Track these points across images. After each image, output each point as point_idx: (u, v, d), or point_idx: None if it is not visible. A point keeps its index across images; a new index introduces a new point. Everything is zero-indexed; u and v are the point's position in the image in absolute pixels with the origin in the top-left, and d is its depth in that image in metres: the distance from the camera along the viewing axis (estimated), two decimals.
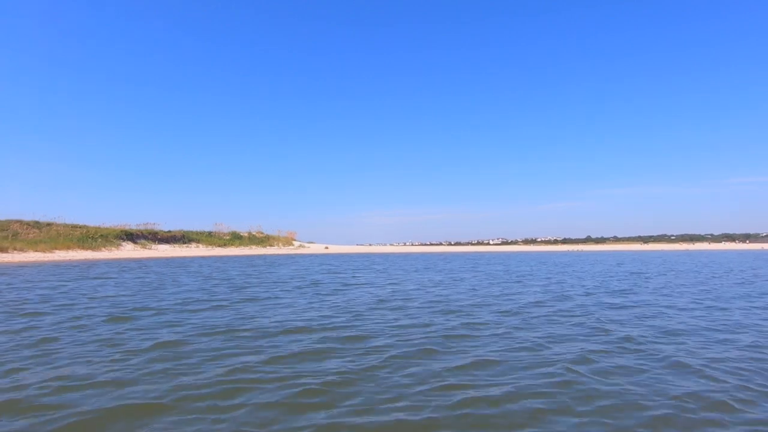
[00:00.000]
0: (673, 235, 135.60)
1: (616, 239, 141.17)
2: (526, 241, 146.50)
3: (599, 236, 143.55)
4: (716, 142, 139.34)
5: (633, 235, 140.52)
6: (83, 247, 39.90)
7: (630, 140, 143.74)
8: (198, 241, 56.48)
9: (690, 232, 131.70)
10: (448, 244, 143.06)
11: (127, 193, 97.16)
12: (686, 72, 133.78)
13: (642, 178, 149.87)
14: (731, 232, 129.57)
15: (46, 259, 31.62)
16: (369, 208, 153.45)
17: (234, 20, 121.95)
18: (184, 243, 54.44)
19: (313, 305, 9.96)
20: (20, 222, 45.11)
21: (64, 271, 20.90)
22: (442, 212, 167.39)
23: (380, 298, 11.20)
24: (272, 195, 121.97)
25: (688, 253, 62.88)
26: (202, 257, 42.74)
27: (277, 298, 11.32)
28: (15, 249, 33.46)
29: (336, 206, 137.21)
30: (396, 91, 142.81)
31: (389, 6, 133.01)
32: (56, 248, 37.13)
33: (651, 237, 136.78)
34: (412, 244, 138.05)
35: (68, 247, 38.44)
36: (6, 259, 29.28)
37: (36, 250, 34.57)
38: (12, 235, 40.17)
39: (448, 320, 7.94)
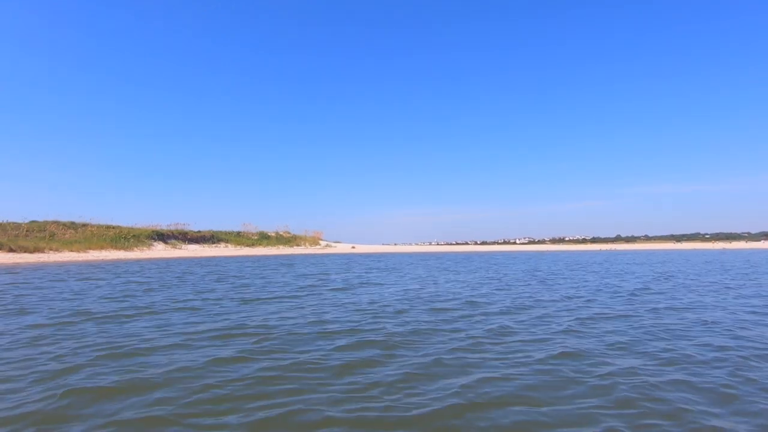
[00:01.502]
0: (707, 234, 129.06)
1: (648, 238, 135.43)
2: (554, 240, 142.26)
3: (629, 235, 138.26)
4: (751, 138, 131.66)
5: (665, 233, 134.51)
6: (116, 247, 40.21)
7: (660, 137, 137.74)
8: (227, 241, 56.56)
9: (725, 231, 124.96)
10: (474, 244, 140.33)
11: (158, 194, 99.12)
12: (721, 67, 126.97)
13: (673, 175, 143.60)
14: None
15: (80, 258, 31.75)
16: (393, 208, 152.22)
17: (262, 27, 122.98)
18: (213, 243, 54.58)
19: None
20: (57, 223, 46.07)
21: (145, 269, 20.49)
22: (468, 211, 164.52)
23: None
24: (298, 195, 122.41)
25: (738, 252, 58.94)
26: (232, 257, 42.46)
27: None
28: (51, 249, 33.80)
29: (361, 206, 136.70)
30: (422, 92, 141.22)
31: (416, 8, 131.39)
32: (90, 248, 37.45)
33: (684, 236, 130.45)
34: (438, 244, 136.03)
35: (102, 247, 38.76)
36: (42, 259, 29.46)
37: (71, 250, 34.88)
38: (49, 236, 40.93)
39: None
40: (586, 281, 15.14)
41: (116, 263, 27.87)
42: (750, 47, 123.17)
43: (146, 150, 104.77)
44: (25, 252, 30.89)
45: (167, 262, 29.69)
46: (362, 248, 72.16)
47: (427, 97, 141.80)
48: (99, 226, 46.63)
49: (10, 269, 21.44)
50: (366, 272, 20.34)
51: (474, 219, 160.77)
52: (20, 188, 78.64)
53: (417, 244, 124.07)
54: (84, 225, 46.58)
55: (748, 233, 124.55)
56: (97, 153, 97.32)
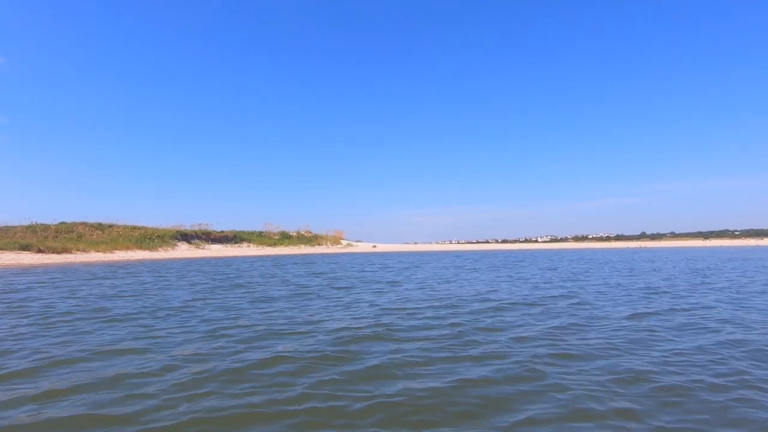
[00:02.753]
0: (736, 231, 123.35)
1: (674, 235, 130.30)
2: (577, 238, 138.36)
3: (655, 232, 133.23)
4: None
5: (691, 230, 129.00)
6: (141, 248, 40.44)
7: (685, 130, 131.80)
8: (249, 241, 56.58)
9: (755, 227, 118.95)
10: (495, 242, 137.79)
11: (182, 195, 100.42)
12: (746, 60, 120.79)
13: (699, 171, 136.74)
14: None
15: (106, 259, 31.86)
16: (411, 207, 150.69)
17: (284, 29, 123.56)
18: (236, 243, 54.63)
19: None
20: (85, 224, 46.82)
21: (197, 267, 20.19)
22: (488, 210, 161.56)
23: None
24: (319, 196, 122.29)
25: None
26: (255, 257, 42.23)
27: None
28: (78, 250, 34.11)
29: (381, 205, 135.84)
30: (441, 93, 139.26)
31: (441, 9, 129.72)
32: (116, 249, 37.72)
33: (712, 232, 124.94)
34: (459, 242, 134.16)
35: (127, 248, 39.02)
36: (69, 259, 29.64)
37: (97, 251, 35.14)
38: (77, 237, 41.53)
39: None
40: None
41: (144, 263, 27.82)
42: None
43: (170, 152, 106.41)
44: (53, 252, 31.18)
45: (210, 261, 29.45)
46: (383, 247, 71.33)
47: (446, 97, 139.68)
48: (125, 227, 47.18)
49: (46, 268, 21.40)
50: (442, 269, 19.45)
51: (494, 218, 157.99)
52: (51, 191, 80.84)
53: (437, 243, 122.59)
54: (110, 226, 47.20)
55: None
56: (123, 156, 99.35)
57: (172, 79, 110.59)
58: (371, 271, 19.85)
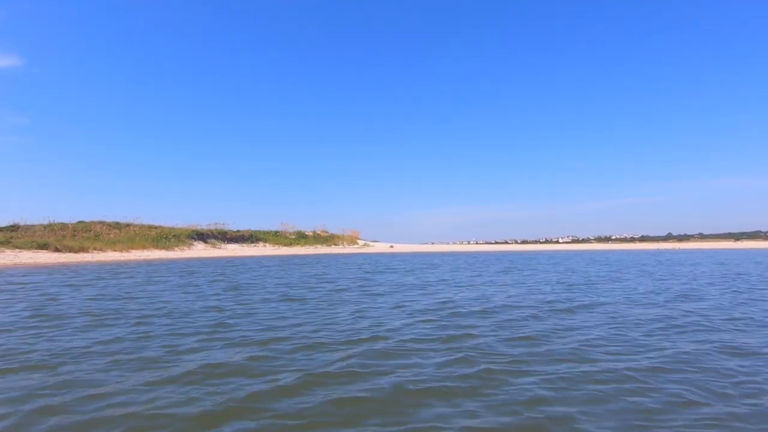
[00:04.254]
0: None
1: (702, 236, 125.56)
2: (600, 239, 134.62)
3: (682, 233, 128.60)
4: None
5: (720, 231, 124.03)
6: (157, 247, 40.06)
7: (712, 126, 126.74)
8: (265, 241, 56.01)
9: None
10: (514, 242, 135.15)
11: (200, 195, 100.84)
12: None
13: (728, 168, 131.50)
14: None
15: (122, 258, 31.44)
16: (430, 207, 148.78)
17: (295, 33, 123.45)
18: (252, 242, 54.11)
19: None
20: (102, 223, 46.79)
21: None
22: (506, 210, 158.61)
23: None
24: (335, 196, 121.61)
25: None
26: (271, 256, 41.47)
27: None
28: (95, 249, 33.79)
29: (398, 205, 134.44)
30: (461, 94, 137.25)
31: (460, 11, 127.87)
32: (132, 248, 37.36)
33: (743, 234, 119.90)
34: (477, 243, 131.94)
35: (144, 247, 38.66)
36: (86, 258, 29.24)
37: (114, 250, 34.79)
38: (94, 236, 41.42)
39: None
40: None
41: (165, 262, 27.20)
42: None
43: (188, 153, 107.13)
44: (70, 252, 30.86)
45: (231, 261, 28.73)
46: (400, 248, 70.09)
47: (466, 98, 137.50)
48: (141, 226, 47.00)
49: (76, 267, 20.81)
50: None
51: (513, 218, 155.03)
52: (72, 191, 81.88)
53: (455, 244, 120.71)
54: (128, 225, 47.09)
55: None
56: (144, 158, 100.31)
57: (189, 82, 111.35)
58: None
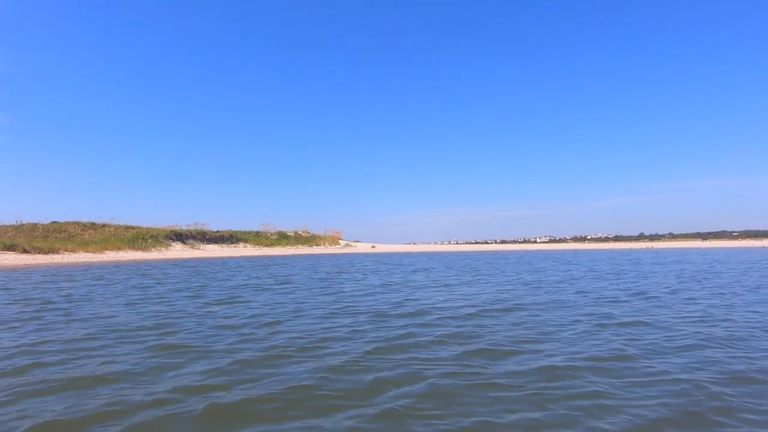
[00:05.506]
0: (735, 231, 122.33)
1: (672, 236, 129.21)
2: (576, 239, 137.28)
3: (653, 233, 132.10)
4: None
5: (689, 231, 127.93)
6: (133, 248, 39.40)
7: (684, 129, 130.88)
8: (246, 241, 55.55)
9: (753, 228, 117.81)
10: (494, 242, 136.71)
11: (181, 195, 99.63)
12: (748, 48, 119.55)
13: (696, 171, 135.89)
14: None
15: (95, 259, 30.84)
16: (413, 208, 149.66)
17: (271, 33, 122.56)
18: (232, 243, 53.61)
19: None
20: (77, 223, 45.73)
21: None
22: (490, 211, 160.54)
23: None
24: (317, 196, 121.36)
25: None
26: (250, 257, 41.20)
27: None
28: (66, 250, 33.09)
29: (379, 205, 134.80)
30: (442, 97, 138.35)
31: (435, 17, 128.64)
32: (107, 249, 36.69)
33: (710, 233, 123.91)
34: (457, 243, 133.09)
35: (118, 248, 37.99)
36: (56, 260, 28.63)
37: (87, 251, 34.10)
38: (68, 237, 40.48)
39: None
40: None
41: (136, 263, 26.78)
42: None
43: (170, 154, 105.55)
44: (39, 253, 30.16)
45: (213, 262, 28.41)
46: (382, 248, 70.28)
47: (447, 101, 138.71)
48: (118, 227, 46.14)
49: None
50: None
51: (495, 217, 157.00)
52: (49, 192, 79.84)
53: (437, 243, 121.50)
54: (104, 226, 46.13)
55: None
56: (124, 158, 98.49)
57: (168, 82, 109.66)
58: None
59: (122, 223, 47.82)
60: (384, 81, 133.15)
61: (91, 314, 8.61)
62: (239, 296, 11.38)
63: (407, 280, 16.25)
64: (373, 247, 69.63)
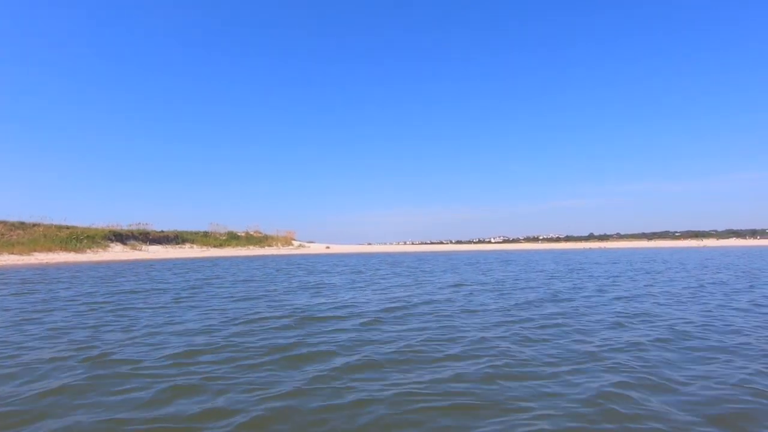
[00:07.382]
0: (677, 232, 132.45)
1: (620, 236, 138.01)
2: (528, 239, 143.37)
3: (602, 233, 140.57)
4: (721, 137, 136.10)
5: (635, 231, 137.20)
6: (66, 249, 37.36)
7: (632, 136, 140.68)
8: (192, 242, 53.88)
9: (693, 229, 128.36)
10: (449, 243, 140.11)
11: (121, 193, 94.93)
12: (696, 66, 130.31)
13: (642, 175, 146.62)
14: (736, 228, 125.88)
15: (20, 262, 29.03)
16: (367, 208, 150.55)
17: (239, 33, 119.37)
18: (178, 243, 51.88)
19: None
20: (4, 223, 42.50)
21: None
22: (441, 211, 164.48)
23: None
24: (270, 195, 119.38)
25: (721, 250, 59.81)
26: (198, 258, 40.11)
27: None
28: None
29: (333, 206, 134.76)
30: (400, 93, 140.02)
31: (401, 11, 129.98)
32: (35, 250, 34.61)
33: (655, 234, 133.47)
34: (413, 243, 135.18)
35: (49, 249, 35.91)
36: None
37: (12, 253, 32.01)
38: None
39: None
40: None
41: (65, 266, 25.41)
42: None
43: (115, 152, 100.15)
44: None
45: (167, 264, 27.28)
46: (337, 248, 70.36)
47: (401, 99, 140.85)
48: (50, 226, 43.36)
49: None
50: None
51: (447, 219, 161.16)
52: None
53: (392, 244, 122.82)
54: (34, 225, 43.18)
55: (716, 231, 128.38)
56: (67, 154, 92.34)
57: (117, 77, 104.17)
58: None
59: (56, 222, 45.06)
60: (342, 79, 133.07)
61: None
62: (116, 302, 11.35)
63: (323, 281, 16.69)
64: (328, 248, 69.55)
